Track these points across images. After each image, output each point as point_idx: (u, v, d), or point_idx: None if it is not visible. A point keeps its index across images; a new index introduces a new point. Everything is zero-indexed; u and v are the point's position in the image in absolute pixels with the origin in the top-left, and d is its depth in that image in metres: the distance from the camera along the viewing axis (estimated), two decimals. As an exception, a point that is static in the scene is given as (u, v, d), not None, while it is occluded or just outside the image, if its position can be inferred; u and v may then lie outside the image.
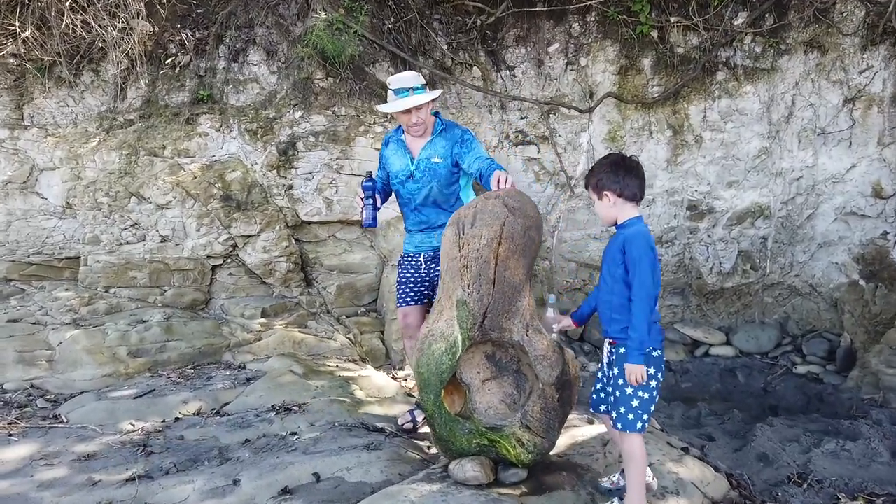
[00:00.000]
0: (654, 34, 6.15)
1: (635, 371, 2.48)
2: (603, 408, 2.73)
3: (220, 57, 5.74)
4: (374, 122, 5.56)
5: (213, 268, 5.43)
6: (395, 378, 4.60)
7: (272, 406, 3.79)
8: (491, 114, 6.40)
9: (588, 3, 6.12)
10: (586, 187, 2.78)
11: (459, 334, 2.70)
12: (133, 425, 3.60)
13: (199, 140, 5.47)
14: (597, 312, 2.84)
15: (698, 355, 5.69)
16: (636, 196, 2.65)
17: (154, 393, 4.00)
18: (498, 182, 3.07)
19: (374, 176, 3.54)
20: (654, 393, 2.57)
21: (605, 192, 2.64)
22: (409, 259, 3.65)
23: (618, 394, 2.57)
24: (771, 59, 5.80)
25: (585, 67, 6.35)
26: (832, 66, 5.59)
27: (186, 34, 5.79)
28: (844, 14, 5.59)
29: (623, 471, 2.71)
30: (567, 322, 2.96)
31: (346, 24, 5.47)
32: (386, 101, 3.50)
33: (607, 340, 2.75)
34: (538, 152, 6.24)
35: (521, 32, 6.61)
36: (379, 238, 5.51)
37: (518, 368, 2.91)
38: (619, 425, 2.55)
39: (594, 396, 2.79)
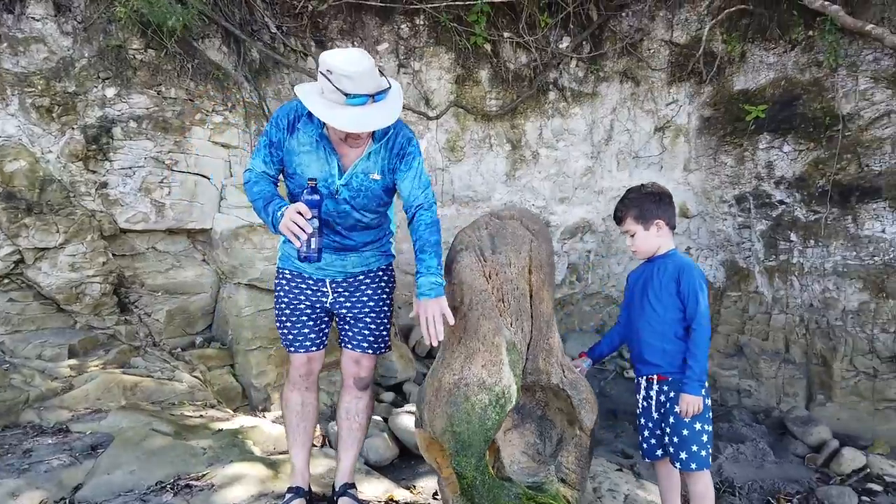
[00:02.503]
0: (489, 48, 6.17)
1: (694, 402, 2.42)
2: (660, 452, 2.55)
3: (-18, 2, 4.20)
4: (213, 111, 4.58)
5: (-20, 292, 3.94)
6: (281, 422, 3.80)
7: (159, 485, 2.82)
8: (325, 111, 5.78)
9: (416, 5, 5.88)
10: (619, 220, 2.67)
11: (514, 382, 2.27)
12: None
13: (-47, 114, 3.92)
14: (631, 347, 2.65)
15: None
16: (674, 226, 2.68)
17: (-48, 487, 2.70)
18: (427, 328, 2.23)
19: (316, 185, 2.27)
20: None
21: (657, 222, 2.59)
22: (306, 283, 2.57)
23: (685, 432, 2.43)
24: (592, 84, 6.21)
25: (419, 72, 6.12)
26: (644, 97, 6.18)
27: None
28: (651, 51, 6.23)
29: None
30: (586, 365, 2.71)
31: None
32: (315, 84, 2.28)
33: (647, 377, 2.58)
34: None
35: (345, 26, 6.12)
36: (218, 251, 4.55)
37: (544, 414, 2.56)
38: (693, 465, 2.41)
39: (644, 445, 2.60)
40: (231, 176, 4.70)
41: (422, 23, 6.17)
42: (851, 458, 3.73)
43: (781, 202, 5.19)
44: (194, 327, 4.54)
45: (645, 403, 2.59)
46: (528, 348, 2.41)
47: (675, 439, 2.47)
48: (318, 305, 2.61)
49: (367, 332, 2.64)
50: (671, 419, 2.48)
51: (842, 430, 4.22)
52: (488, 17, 6.06)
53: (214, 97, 4.59)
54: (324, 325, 2.68)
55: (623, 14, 6.23)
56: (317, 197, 2.25)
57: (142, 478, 2.87)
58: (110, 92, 4.25)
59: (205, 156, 4.50)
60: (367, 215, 2.51)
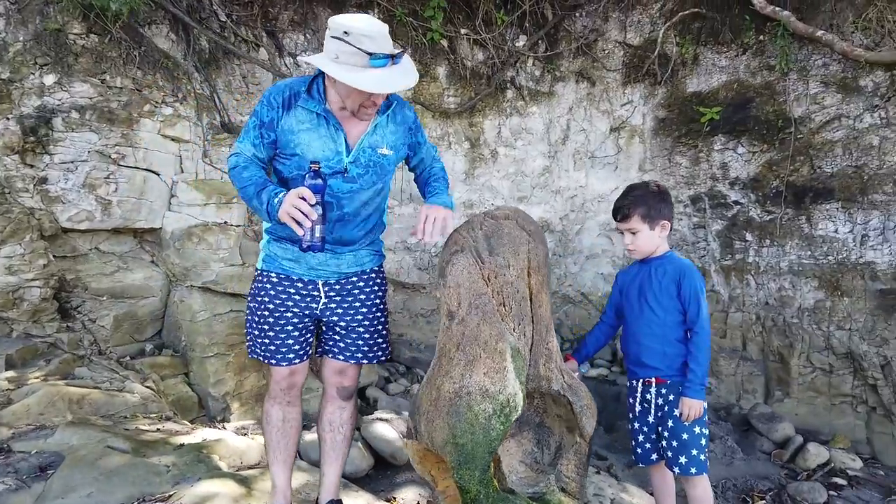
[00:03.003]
0: (445, 44, 6.07)
1: (696, 406, 2.41)
2: (654, 457, 2.50)
3: None
4: (163, 102, 4.29)
5: None
6: (244, 434, 3.59)
7: (122, 508, 2.59)
8: (278, 105, 5.55)
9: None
10: (625, 217, 2.55)
11: (519, 390, 2.16)
12: None
13: None
14: (627, 350, 2.60)
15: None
16: (672, 228, 2.65)
17: None
18: (424, 223, 2.25)
19: (319, 168, 2.13)
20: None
21: (663, 222, 2.54)
22: (295, 287, 2.37)
23: (685, 436, 2.40)
24: (549, 83, 6.20)
25: (374, 66, 5.96)
26: (600, 97, 6.21)
27: None
28: (606, 52, 6.27)
29: None
30: (574, 366, 2.65)
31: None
32: (327, 56, 2.10)
33: (644, 381, 2.53)
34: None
35: (296, 16, 5.91)
36: (168, 251, 4.27)
37: (541, 421, 2.47)
38: (692, 469, 2.37)
39: (638, 450, 2.55)
40: (182, 171, 4.42)
41: (376, 16, 6.02)
42: (816, 454, 3.82)
43: (737, 202, 5.30)
44: (143, 334, 4.24)
45: (640, 407, 2.54)
46: (529, 353, 2.31)
47: (675, 443, 2.43)
48: (306, 312, 2.42)
49: (360, 341, 2.48)
50: (670, 423, 2.45)
51: (800, 425, 4.33)
52: (445, 13, 5.97)
53: (164, 87, 4.31)
54: (309, 335, 2.49)
55: (577, 14, 6.26)
56: (320, 181, 2.11)
57: (101, 501, 2.63)
58: (49, 79, 3.91)
59: (154, 150, 4.21)
60: (373, 196, 2.38)
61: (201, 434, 3.36)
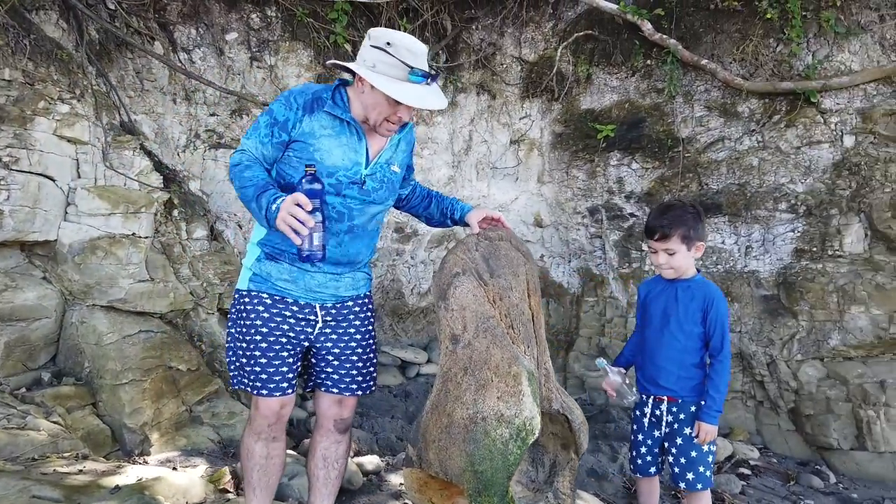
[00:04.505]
0: (349, 48, 5.95)
1: (713, 432, 2.45)
2: (653, 470, 2.60)
3: None
4: (59, 98, 3.80)
5: None
6: (174, 468, 3.27)
7: (73, 568, 2.27)
8: (176, 104, 5.14)
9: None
10: (665, 236, 2.48)
11: (537, 413, 2.17)
12: None
13: None
14: (642, 366, 2.63)
15: (411, 376, 5.74)
16: None
17: None
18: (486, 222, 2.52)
19: (315, 172, 2.04)
20: None
21: (700, 244, 2.52)
22: (290, 310, 2.23)
23: (694, 454, 2.48)
24: (452, 94, 6.27)
25: (274, 67, 5.75)
26: (500, 110, 6.39)
27: None
28: (504, 66, 6.46)
29: None
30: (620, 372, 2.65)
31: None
32: (353, 62, 2.12)
33: (656, 398, 2.57)
34: (237, 159, 5.30)
35: (185, 9, 5.52)
36: (65, 266, 3.79)
37: (535, 440, 2.49)
38: (699, 485, 2.48)
39: (639, 461, 2.62)
40: (79, 177, 3.95)
41: (274, 14, 5.79)
42: (723, 447, 4.19)
43: (632, 214, 5.68)
44: (36, 361, 3.74)
45: (647, 420, 2.58)
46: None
47: (683, 460, 2.51)
48: (300, 337, 2.27)
49: (354, 371, 2.37)
50: (679, 440, 2.51)
51: (698, 420, 4.73)
52: (348, 17, 5.85)
53: (59, 82, 3.83)
54: (298, 364, 2.34)
55: (474, 27, 6.40)
56: (318, 186, 2.02)
57: (42, 563, 2.29)
58: (-78, 67, 3.34)
59: (50, 153, 3.73)
60: (381, 211, 2.36)
61: (135, 473, 3.03)
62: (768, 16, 5.19)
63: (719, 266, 5.11)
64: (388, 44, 2.04)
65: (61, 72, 3.85)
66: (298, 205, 1.92)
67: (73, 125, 3.84)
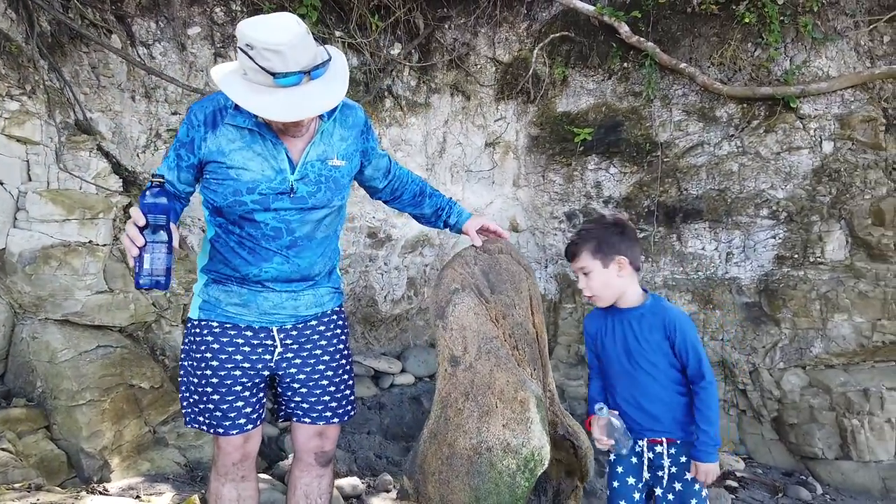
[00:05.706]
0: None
1: (714, 470, 2.14)
2: None
3: None
4: (8, 94, 3.50)
5: None
6: (137, 497, 3.01)
7: None
8: (135, 101, 4.84)
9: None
10: (573, 255, 2.23)
11: (546, 442, 2.01)
12: None
13: None
14: (626, 412, 2.28)
15: (385, 387, 5.54)
16: (639, 268, 2.27)
17: None
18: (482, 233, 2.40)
19: (164, 184, 1.76)
20: None
21: (618, 259, 2.17)
22: (243, 336, 2.02)
23: (694, 501, 2.25)
24: (425, 94, 6.09)
25: (241, 65, 5.46)
26: (475, 112, 6.23)
27: None
28: (478, 66, 6.30)
29: None
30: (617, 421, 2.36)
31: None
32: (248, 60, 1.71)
33: (650, 440, 2.23)
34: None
35: (144, 1, 5.22)
36: (14, 277, 3.48)
37: (538, 467, 2.33)
38: None
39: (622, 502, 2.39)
40: (30, 180, 3.64)
41: (239, 9, 5.53)
42: (709, 458, 4.11)
43: (611, 220, 5.58)
44: (-18, 380, 3.43)
45: (637, 461, 2.26)
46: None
47: None
48: (258, 366, 2.04)
49: (327, 397, 2.14)
50: (678, 485, 2.22)
51: (681, 430, 4.65)
52: (317, 13, 5.62)
53: (8, 77, 3.52)
54: (261, 394, 2.11)
55: (447, 26, 6.24)
56: (163, 200, 1.71)
57: None
58: None
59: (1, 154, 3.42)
60: (329, 214, 2.05)
61: (95, 503, 2.77)
62: (746, 20, 5.15)
63: (700, 273, 5.05)
64: (249, 45, 1.68)
65: (10, 66, 3.54)
66: (134, 222, 1.67)
67: (23, 124, 3.53)
